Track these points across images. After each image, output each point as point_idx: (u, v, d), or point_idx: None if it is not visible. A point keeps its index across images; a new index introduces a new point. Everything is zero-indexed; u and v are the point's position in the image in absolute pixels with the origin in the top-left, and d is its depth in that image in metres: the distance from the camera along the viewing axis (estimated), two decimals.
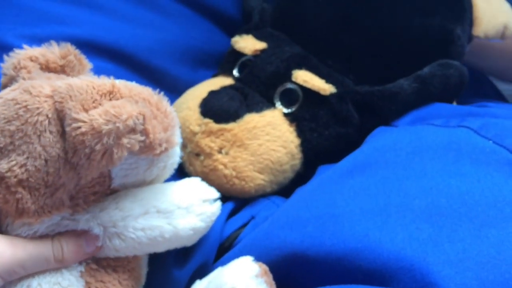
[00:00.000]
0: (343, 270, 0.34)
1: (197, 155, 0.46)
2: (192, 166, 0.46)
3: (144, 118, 0.33)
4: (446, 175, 0.36)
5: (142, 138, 0.33)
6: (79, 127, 0.32)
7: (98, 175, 0.34)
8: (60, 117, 0.33)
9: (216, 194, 0.39)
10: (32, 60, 0.37)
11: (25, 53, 0.37)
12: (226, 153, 0.46)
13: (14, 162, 0.33)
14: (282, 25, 0.52)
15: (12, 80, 0.37)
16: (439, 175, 0.36)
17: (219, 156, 0.46)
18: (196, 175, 0.47)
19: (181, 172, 0.46)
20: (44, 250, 0.34)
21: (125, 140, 0.32)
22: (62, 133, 0.33)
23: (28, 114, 0.33)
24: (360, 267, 0.33)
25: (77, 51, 0.39)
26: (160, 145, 0.34)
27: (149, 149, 0.34)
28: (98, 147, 0.32)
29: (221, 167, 0.46)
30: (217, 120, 0.46)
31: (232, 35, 0.52)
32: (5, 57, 0.37)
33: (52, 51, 0.38)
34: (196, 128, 0.46)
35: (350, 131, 0.47)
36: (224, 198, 0.41)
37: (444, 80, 0.46)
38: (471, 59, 0.52)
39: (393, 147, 0.39)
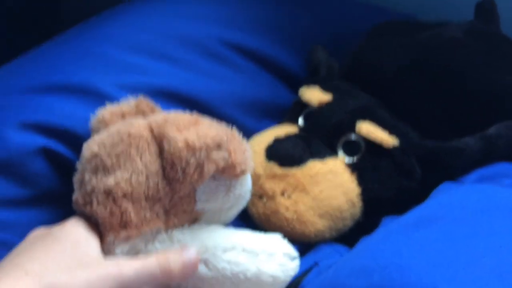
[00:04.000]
0: None
1: (260, 197, 0.46)
2: (254, 207, 0.46)
3: (226, 139, 0.36)
4: None
5: (226, 155, 0.36)
6: (177, 144, 0.35)
7: (187, 192, 0.37)
8: (157, 141, 0.37)
9: (296, 253, 0.39)
10: (111, 114, 0.41)
11: (105, 109, 0.42)
12: (289, 197, 0.45)
13: (120, 178, 0.36)
14: (356, 75, 0.53)
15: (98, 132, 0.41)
16: (508, 235, 0.35)
17: (281, 199, 0.45)
18: (258, 216, 0.46)
19: (244, 215, 0.45)
20: (150, 266, 0.34)
21: (214, 154, 0.35)
22: (159, 154, 0.37)
23: (131, 139, 0.37)
24: None
25: (149, 101, 0.43)
26: (239, 164, 0.37)
27: (230, 168, 0.37)
28: (192, 160, 0.35)
29: (283, 210, 0.45)
30: (282, 164, 0.46)
31: (294, 89, 0.54)
32: (90, 114, 0.42)
33: (127, 104, 0.42)
34: (261, 171, 0.46)
35: (412, 184, 0.46)
36: None
37: (510, 142, 0.45)
38: None
39: (460, 205, 0.38)
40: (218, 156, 0.36)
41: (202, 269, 0.36)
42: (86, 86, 0.46)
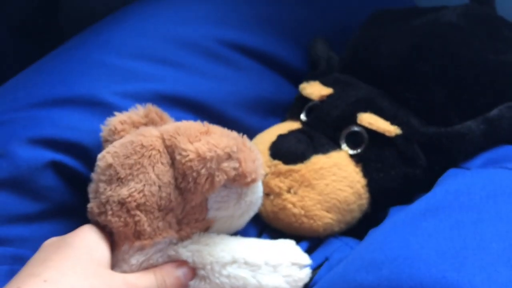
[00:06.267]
0: None
1: (267, 194, 0.46)
2: (262, 205, 0.46)
3: (237, 149, 0.36)
4: None
5: (237, 165, 0.36)
6: (188, 155, 0.35)
7: (199, 202, 0.37)
8: (169, 151, 0.37)
9: (307, 260, 0.39)
10: (122, 124, 0.40)
11: (115, 119, 0.41)
12: (295, 193, 0.45)
13: (133, 189, 0.36)
14: (355, 65, 0.52)
15: (111, 142, 0.40)
16: None
17: (288, 195, 0.45)
18: (267, 214, 0.45)
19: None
20: (152, 285, 0.35)
21: (224, 165, 0.35)
22: (171, 164, 0.36)
23: (144, 150, 0.37)
24: None
25: (158, 109, 0.42)
26: (250, 173, 0.37)
27: (241, 177, 0.37)
28: (203, 171, 0.35)
29: (290, 206, 0.45)
30: (286, 162, 0.46)
31: (298, 85, 0.53)
32: (101, 126, 0.41)
33: (136, 112, 0.42)
34: (266, 169, 0.46)
35: (417, 171, 0.45)
36: (297, 238, 0.39)
37: None
38: None
39: (467, 191, 0.38)
40: (229, 166, 0.36)
41: (201, 284, 0.36)
42: (89, 97, 0.46)
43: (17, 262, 0.36)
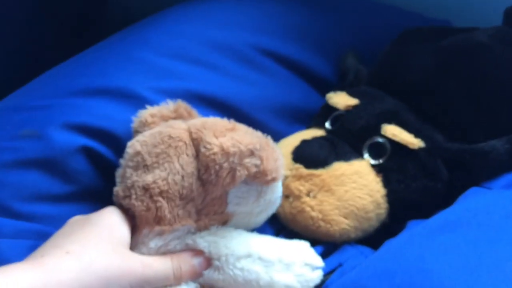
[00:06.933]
0: None
1: (287, 197, 0.46)
2: (281, 207, 0.46)
3: (260, 147, 0.36)
4: None
5: (258, 162, 0.36)
6: (212, 148, 0.36)
7: (219, 195, 0.37)
8: (195, 143, 0.37)
9: (320, 263, 0.39)
10: (152, 116, 0.41)
11: (146, 112, 0.42)
12: (314, 197, 0.45)
13: (158, 176, 0.37)
14: (383, 79, 0.52)
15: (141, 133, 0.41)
16: None
17: (307, 198, 0.45)
18: (285, 216, 0.46)
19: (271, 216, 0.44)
20: (167, 269, 0.36)
21: (246, 160, 0.36)
22: (196, 156, 0.37)
23: (171, 141, 0.38)
24: None
25: (187, 105, 0.43)
26: (270, 172, 0.37)
27: (262, 175, 0.37)
28: (225, 165, 0.36)
29: (308, 209, 0.45)
30: (307, 166, 0.46)
31: (325, 94, 0.53)
32: (133, 117, 0.43)
33: (166, 107, 0.43)
34: (287, 172, 0.46)
35: (438, 185, 0.45)
36: (313, 242, 0.40)
37: None
38: None
39: (486, 210, 0.37)
40: (250, 162, 0.36)
41: (215, 274, 0.37)
42: (125, 90, 0.47)
43: (42, 238, 0.37)
